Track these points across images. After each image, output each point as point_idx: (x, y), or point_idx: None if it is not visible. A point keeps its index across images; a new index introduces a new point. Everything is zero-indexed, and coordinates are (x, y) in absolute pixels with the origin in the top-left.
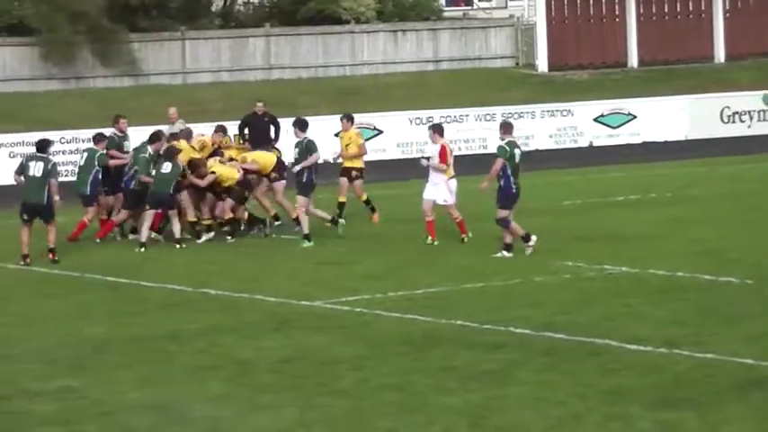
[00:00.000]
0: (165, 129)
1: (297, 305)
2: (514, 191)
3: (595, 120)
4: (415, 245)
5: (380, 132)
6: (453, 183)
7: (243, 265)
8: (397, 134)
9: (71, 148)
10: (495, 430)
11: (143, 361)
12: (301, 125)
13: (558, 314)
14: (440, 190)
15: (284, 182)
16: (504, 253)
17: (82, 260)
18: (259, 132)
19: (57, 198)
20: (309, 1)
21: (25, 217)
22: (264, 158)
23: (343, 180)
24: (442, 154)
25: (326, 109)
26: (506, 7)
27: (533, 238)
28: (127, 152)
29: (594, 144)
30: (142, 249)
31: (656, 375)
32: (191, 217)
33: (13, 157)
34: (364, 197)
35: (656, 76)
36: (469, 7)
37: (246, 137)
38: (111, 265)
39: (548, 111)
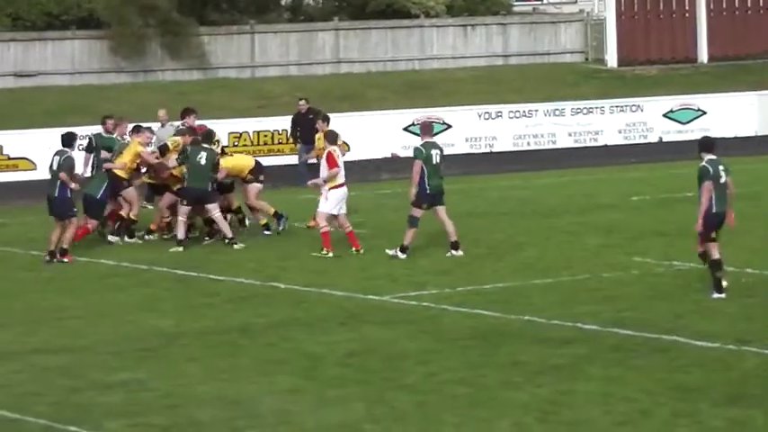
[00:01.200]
0: (154, 129)
1: (365, 299)
2: (428, 191)
3: (665, 115)
4: (483, 240)
5: (449, 127)
6: (339, 192)
7: (312, 259)
8: (466, 129)
9: None
10: (562, 425)
11: (212, 354)
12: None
13: (626, 310)
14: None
15: (260, 186)
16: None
17: (150, 253)
18: (307, 130)
19: (73, 186)
20: None
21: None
22: (239, 162)
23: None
24: (329, 160)
25: (395, 103)
26: (576, 2)
27: (402, 256)
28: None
29: (664, 140)
30: (180, 249)
31: (724, 372)
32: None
33: (83, 149)
34: None
35: (726, 72)
36: (539, 2)
37: (298, 135)
38: (180, 259)
39: (617, 106)
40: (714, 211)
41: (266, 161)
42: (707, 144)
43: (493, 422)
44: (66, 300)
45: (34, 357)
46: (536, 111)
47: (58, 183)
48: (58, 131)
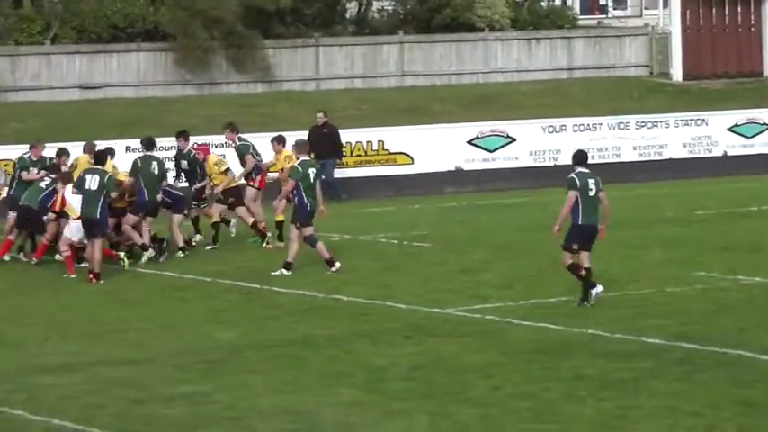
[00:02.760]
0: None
1: (428, 312)
2: (309, 208)
3: (730, 129)
4: (547, 253)
5: (513, 140)
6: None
7: (375, 271)
8: (530, 142)
9: None
10: None
11: (275, 366)
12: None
13: (691, 324)
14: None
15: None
16: (283, 272)
17: (214, 266)
18: (317, 144)
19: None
20: (444, 9)
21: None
22: None
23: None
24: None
25: (461, 116)
26: (641, 16)
27: (337, 264)
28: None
29: (729, 154)
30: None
31: None
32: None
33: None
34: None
35: None
36: (604, 16)
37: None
38: (244, 271)
39: (682, 120)
40: (580, 222)
41: None
42: (579, 157)
43: None
44: (129, 312)
45: (97, 369)
46: (600, 124)
47: (100, 202)
48: (123, 144)
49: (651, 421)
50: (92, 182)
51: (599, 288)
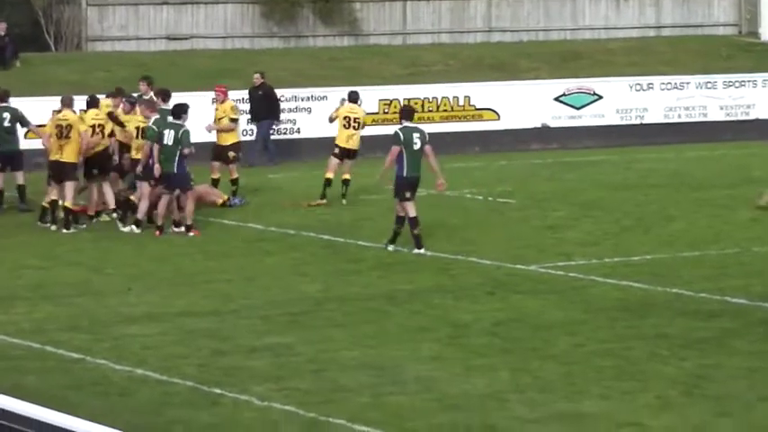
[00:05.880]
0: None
1: (512, 268)
2: (406, 175)
3: None
4: (632, 211)
5: (600, 98)
6: None
7: (459, 227)
8: (617, 100)
9: (290, 107)
10: (707, 399)
11: (358, 320)
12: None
13: None
14: None
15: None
16: (134, 228)
17: (298, 219)
18: (253, 105)
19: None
20: None
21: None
22: None
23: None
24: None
25: (547, 73)
26: None
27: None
28: None
29: None
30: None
31: None
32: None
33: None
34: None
35: None
36: None
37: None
38: (328, 224)
39: None
40: (405, 174)
41: None
42: (406, 112)
43: (637, 394)
44: (214, 263)
45: (182, 320)
46: (688, 83)
47: (177, 157)
48: (209, 95)
49: (732, 381)
50: (168, 137)
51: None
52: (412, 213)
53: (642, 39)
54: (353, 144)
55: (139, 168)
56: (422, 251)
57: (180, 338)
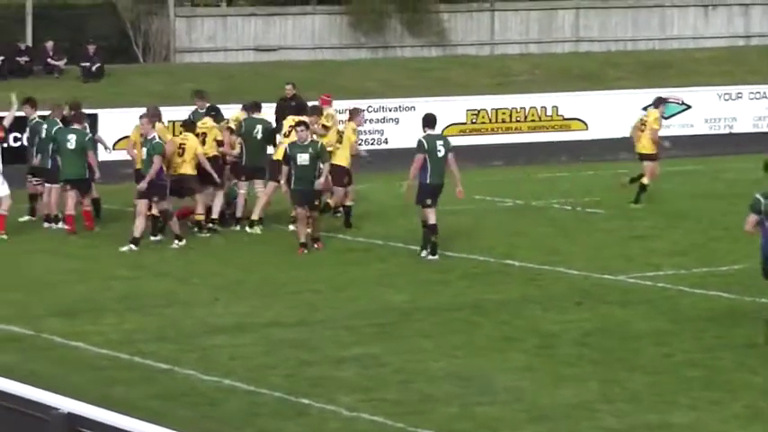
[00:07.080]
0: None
1: (600, 279)
2: (429, 182)
3: None
4: (720, 221)
5: (689, 107)
6: None
7: (547, 237)
8: (706, 109)
9: (378, 117)
10: None
11: (446, 330)
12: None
13: None
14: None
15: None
16: (132, 247)
17: (384, 229)
18: (284, 117)
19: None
20: None
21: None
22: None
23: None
24: None
25: (635, 83)
26: None
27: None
28: None
29: None
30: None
31: None
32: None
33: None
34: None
35: None
36: None
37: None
38: (414, 234)
39: None
40: (428, 182)
41: (504, 139)
42: (428, 120)
43: (726, 405)
44: (301, 273)
45: (269, 330)
46: None
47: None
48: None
49: None
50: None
51: (426, 254)
52: (432, 220)
53: (730, 48)
54: None
55: (143, 185)
56: (436, 257)
57: (267, 349)
